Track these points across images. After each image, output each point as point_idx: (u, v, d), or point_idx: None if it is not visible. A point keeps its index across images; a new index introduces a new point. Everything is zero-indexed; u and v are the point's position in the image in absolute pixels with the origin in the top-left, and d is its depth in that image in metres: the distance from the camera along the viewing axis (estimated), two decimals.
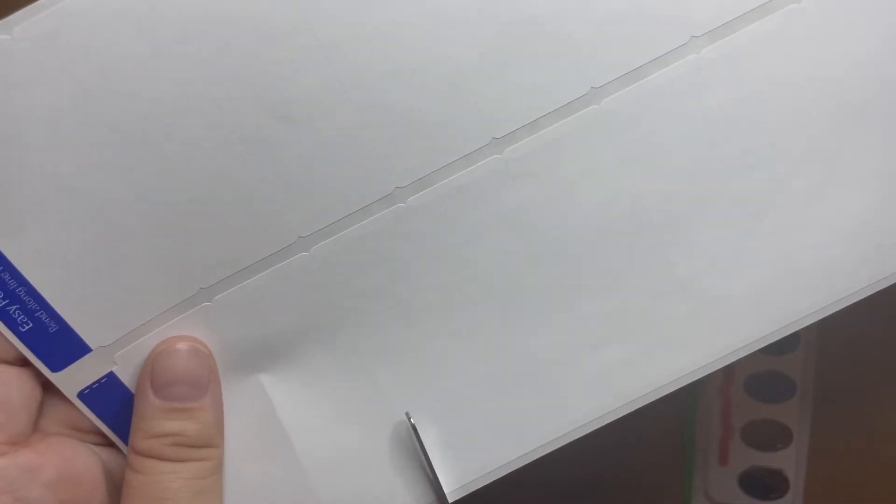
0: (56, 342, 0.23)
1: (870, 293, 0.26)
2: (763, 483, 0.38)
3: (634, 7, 0.24)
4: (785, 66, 0.25)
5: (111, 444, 0.25)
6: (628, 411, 0.27)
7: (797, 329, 0.27)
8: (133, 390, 0.25)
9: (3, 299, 0.22)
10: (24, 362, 0.24)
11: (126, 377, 0.25)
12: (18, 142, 0.21)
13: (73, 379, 0.24)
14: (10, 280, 0.22)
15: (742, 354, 0.27)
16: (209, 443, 0.24)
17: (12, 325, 0.23)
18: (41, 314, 0.23)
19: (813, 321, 0.27)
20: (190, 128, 0.23)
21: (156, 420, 0.24)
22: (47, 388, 0.24)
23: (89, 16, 0.21)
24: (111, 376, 0.25)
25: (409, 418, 0.26)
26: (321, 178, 0.24)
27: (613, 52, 0.24)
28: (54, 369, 0.24)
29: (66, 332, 0.23)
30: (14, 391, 0.23)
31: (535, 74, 0.24)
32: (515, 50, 0.24)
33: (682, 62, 0.25)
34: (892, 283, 0.27)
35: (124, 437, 0.25)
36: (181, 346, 0.24)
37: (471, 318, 0.26)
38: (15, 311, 0.23)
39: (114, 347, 0.24)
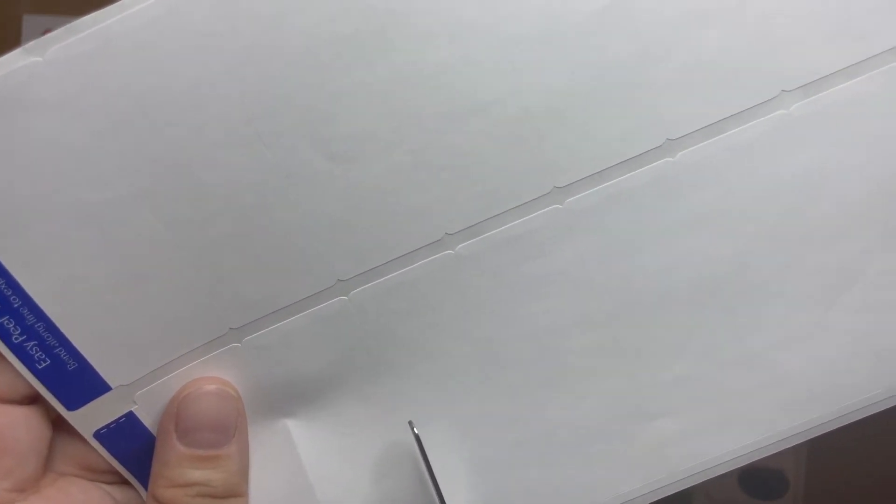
0: (74, 380, 0.22)
1: None
2: (763, 483, 0.38)
3: (721, 56, 0.22)
4: (881, 128, 0.23)
5: (126, 482, 0.24)
6: (678, 490, 0.25)
7: (871, 413, 0.24)
8: (153, 431, 0.23)
9: (21, 335, 0.21)
10: (31, 401, 0.22)
11: (146, 417, 0.23)
12: (44, 169, 0.20)
13: (90, 418, 0.23)
14: (28, 315, 0.21)
15: (806, 438, 0.25)
16: (234, 492, 0.23)
17: (29, 363, 0.21)
18: (60, 351, 0.22)
19: (890, 405, 0.24)
20: (231, 160, 0.21)
21: (180, 468, 0.22)
22: (60, 425, 0.23)
23: (130, 40, 0.19)
24: (130, 416, 0.23)
25: (411, 427, 0.24)
26: (366, 220, 0.22)
27: (694, 103, 0.22)
28: (71, 408, 0.22)
29: (85, 369, 0.22)
30: (23, 433, 0.22)
31: (606, 122, 0.22)
32: (587, 94, 0.22)
33: (769, 118, 0.22)
34: None
35: (142, 478, 0.24)
36: (209, 387, 0.23)
37: (515, 378, 0.24)
38: (32, 347, 0.21)
39: (134, 386, 0.23)
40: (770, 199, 0.23)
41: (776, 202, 0.23)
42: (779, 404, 0.24)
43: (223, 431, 0.22)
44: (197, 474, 0.22)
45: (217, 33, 0.19)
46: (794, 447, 0.36)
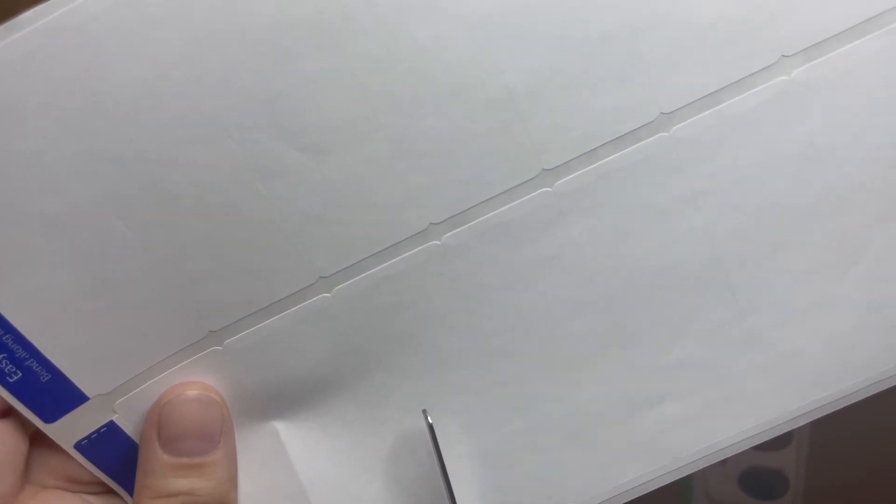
0: (49, 392, 0.21)
1: None
2: (763, 483, 0.38)
3: (714, 22, 0.20)
4: (887, 92, 0.21)
5: (111, 492, 0.23)
6: (683, 475, 0.24)
7: (881, 389, 0.24)
8: (136, 440, 0.22)
9: None
10: (4, 414, 0.21)
11: (128, 426, 0.22)
12: (3, 177, 0.19)
13: (70, 429, 0.22)
14: None
15: (815, 416, 0.24)
16: (222, 500, 0.22)
17: None
18: (31, 363, 0.21)
19: None
20: (197, 158, 0.20)
21: (164, 478, 0.21)
22: (40, 437, 0.22)
23: (79, 34, 0.18)
24: (111, 425, 0.22)
25: (425, 416, 0.23)
26: (345, 214, 0.21)
27: (687, 74, 0.21)
28: (48, 420, 0.21)
29: (59, 380, 0.21)
30: None
31: (594, 98, 0.21)
32: (573, 70, 0.20)
33: (769, 85, 0.21)
34: None
35: (128, 486, 0.23)
36: (191, 393, 0.22)
37: (511, 368, 0.23)
38: (2, 360, 0.20)
39: (113, 395, 0.22)
40: (771, 170, 0.22)
41: (778, 174, 0.22)
42: (785, 383, 0.23)
43: (208, 438, 0.22)
44: (182, 483, 0.21)
45: (170, 22, 0.18)
46: (794, 447, 0.36)
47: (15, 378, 0.21)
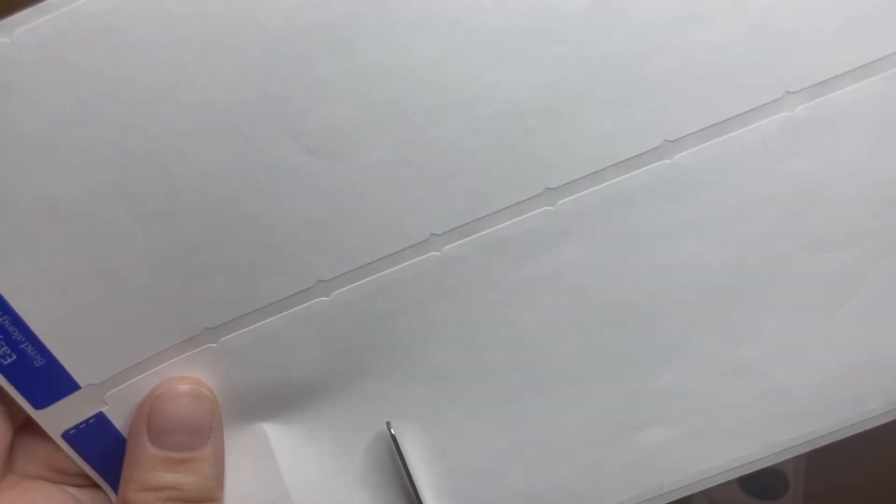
0: (41, 377, 0.21)
1: None
2: (763, 483, 0.38)
3: (722, 55, 0.21)
4: (886, 133, 0.22)
5: (94, 486, 0.23)
6: (668, 501, 0.24)
7: (870, 427, 0.24)
8: (124, 433, 0.22)
9: None
10: None
11: (117, 419, 0.22)
12: (10, 157, 0.19)
13: (58, 418, 0.22)
14: None
15: (803, 451, 0.24)
16: (208, 496, 0.22)
17: None
18: (26, 346, 0.21)
19: (889, 420, 0.24)
20: (205, 152, 0.20)
21: (151, 471, 0.21)
22: (25, 425, 0.22)
23: (100, 22, 0.18)
24: (100, 417, 0.22)
25: (389, 427, 0.23)
26: (349, 218, 0.21)
27: (693, 104, 0.21)
28: (38, 406, 0.21)
29: (52, 366, 0.21)
30: None
31: (601, 120, 0.21)
32: (580, 91, 0.21)
33: (772, 120, 0.21)
34: None
35: (112, 481, 0.23)
36: (182, 388, 0.22)
37: (502, 383, 0.23)
38: None
39: (105, 386, 0.22)
40: (770, 203, 0.22)
41: (776, 207, 0.22)
42: (774, 415, 0.23)
43: (197, 433, 0.22)
44: (169, 477, 0.21)
45: (189, 18, 0.18)
46: None
47: (9, 361, 0.21)
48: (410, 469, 0.23)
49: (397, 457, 0.23)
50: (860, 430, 0.24)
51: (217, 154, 0.20)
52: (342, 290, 0.22)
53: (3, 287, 0.20)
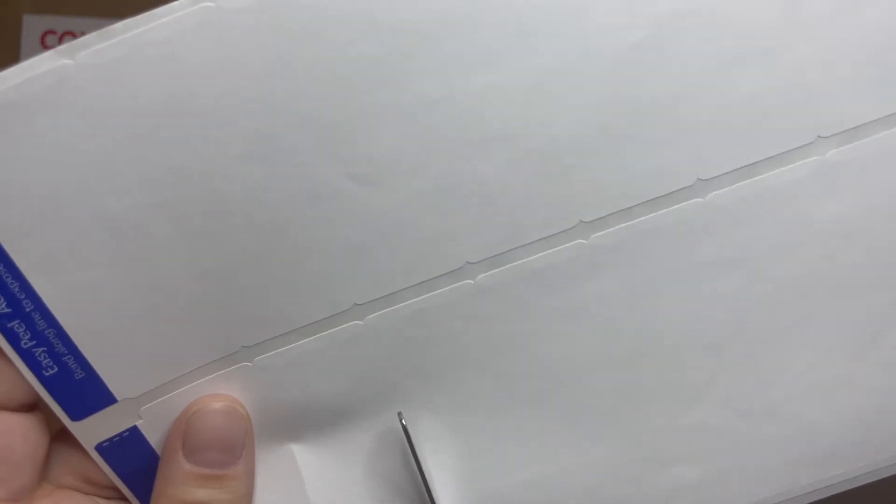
0: (80, 390, 0.21)
1: None
2: None
3: (757, 98, 0.21)
4: None
5: (124, 499, 0.23)
6: None
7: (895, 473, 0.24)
8: (156, 449, 0.23)
9: (31, 340, 0.21)
10: (30, 408, 0.22)
11: (150, 433, 0.23)
12: (67, 174, 0.19)
13: (93, 430, 0.22)
14: (39, 320, 0.20)
15: (829, 493, 0.24)
16: None
17: (36, 369, 0.21)
18: (68, 359, 0.21)
19: None
20: (254, 176, 0.20)
21: (185, 486, 0.21)
22: (61, 435, 0.22)
23: (160, 49, 0.19)
24: (134, 431, 0.22)
25: (400, 418, 0.23)
26: (386, 245, 0.22)
27: (727, 144, 0.22)
28: (74, 418, 0.22)
29: (92, 379, 0.21)
30: (18, 442, 0.21)
31: (636, 158, 0.22)
32: (617, 129, 0.21)
33: (804, 163, 0.22)
34: None
35: (141, 495, 0.23)
36: (219, 405, 0.22)
37: (530, 415, 0.23)
38: (41, 353, 0.21)
39: (140, 400, 0.22)
40: (801, 245, 0.23)
41: (807, 248, 0.23)
42: (801, 457, 0.23)
43: (231, 451, 0.22)
44: (202, 493, 0.21)
45: (245, 47, 0.19)
46: None
47: (51, 372, 0.21)
48: (421, 463, 0.23)
49: (409, 449, 0.23)
50: (887, 475, 0.23)
51: (264, 178, 0.20)
52: (376, 314, 0.22)
53: (50, 300, 0.20)
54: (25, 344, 0.21)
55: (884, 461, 0.23)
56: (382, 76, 0.20)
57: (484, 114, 0.21)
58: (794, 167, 0.22)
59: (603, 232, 0.22)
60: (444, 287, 0.22)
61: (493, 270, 0.22)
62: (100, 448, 0.22)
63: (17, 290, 0.20)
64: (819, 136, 0.22)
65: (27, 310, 0.20)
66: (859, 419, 0.23)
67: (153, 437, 0.23)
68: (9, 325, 0.20)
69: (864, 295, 0.23)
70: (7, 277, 0.20)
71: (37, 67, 0.18)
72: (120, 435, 0.22)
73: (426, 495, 0.23)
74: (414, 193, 0.21)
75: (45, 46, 0.42)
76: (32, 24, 0.43)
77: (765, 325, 0.23)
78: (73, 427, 0.22)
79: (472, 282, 0.22)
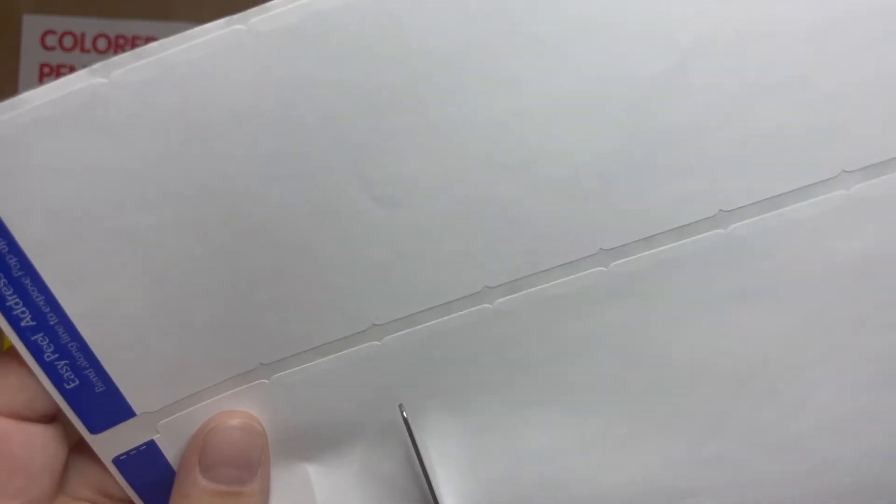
0: (100, 403, 0.22)
1: None
2: None
3: (781, 131, 0.21)
4: None
5: None
6: None
7: None
8: (172, 463, 0.23)
9: (54, 353, 0.21)
10: (49, 420, 0.22)
11: (167, 448, 0.23)
12: (97, 189, 0.20)
13: (111, 443, 0.22)
14: (63, 334, 0.21)
15: None
16: None
17: (58, 382, 0.21)
18: (89, 372, 0.21)
19: None
20: (280, 195, 0.21)
21: (200, 502, 0.21)
22: (78, 448, 0.23)
23: (193, 69, 0.19)
24: (151, 445, 0.23)
25: (401, 410, 0.23)
26: (406, 266, 0.22)
27: (750, 176, 0.22)
28: (93, 431, 0.22)
29: (112, 393, 0.22)
30: (38, 453, 0.21)
31: (658, 187, 0.22)
32: (640, 158, 0.21)
33: (828, 197, 0.22)
34: None
35: None
36: (236, 422, 0.22)
37: (544, 441, 0.23)
38: (63, 366, 0.21)
39: (159, 415, 0.22)
40: (823, 279, 0.22)
41: (829, 283, 0.22)
42: (819, 492, 0.23)
43: (248, 468, 0.22)
44: None
45: (275, 68, 0.20)
46: None
47: (72, 385, 0.21)
48: (430, 473, 0.23)
49: (409, 439, 0.23)
50: None
51: (290, 197, 0.21)
52: (394, 335, 0.23)
53: (74, 314, 0.21)
54: (48, 357, 0.21)
55: None
56: (408, 100, 0.20)
57: (507, 139, 0.21)
58: (818, 201, 0.22)
59: (623, 260, 0.22)
60: (463, 310, 0.22)
61: (512, 295, 0.22)
62: (117, 461, 0.22)
63: (42, 303, 0.20)
64: (843, 171, 0.22)
65: (51, 323, 0.21)
66: (880, 456, 0.23)
67: (169, 452, 0.23)
68: (33, 338, 0.20)
69: (885, 332, 0.23)
70: (33, 291, 0.20)
71: (71, 85, 0.19)
72: (137, 449, 0.23)
73: (427, 489, 0.23)
74: (435, 216, 0.21)
75: (45, 46, 0.43)
76: (32, 24, 0.43)
77: (785, 359, 0.23)
78: (92, 440, 0.22)
79: (490, 306, 0.22)
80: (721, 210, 0.22)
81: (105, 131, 0.19)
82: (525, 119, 0.21)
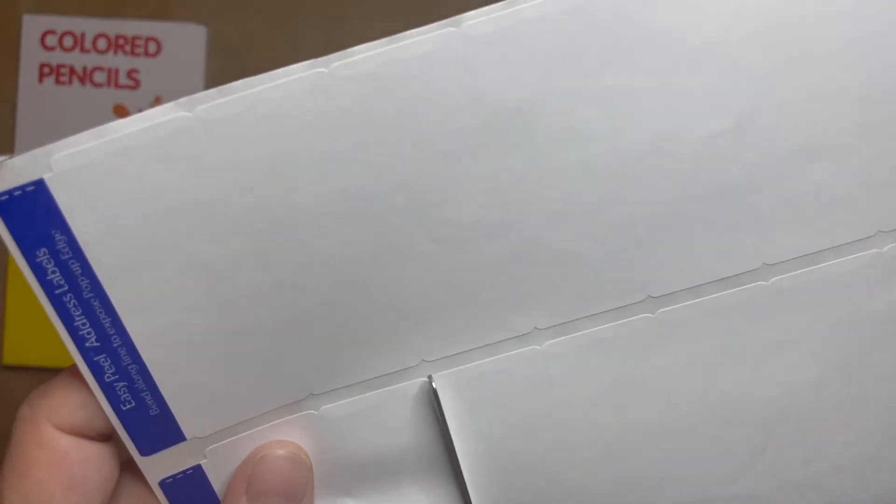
0: (153, 426, 0.22)
1: None
2: None
3: (824, 190, 0.22)
4: None
5: None
6: None
7: None
8: (216, 489, 0.23)
9: (114, 374, 0.21)
10: (105, 439, 0.22)
11: (212, 474, 0.23)
12: (170, 218, 0.20)
13: (160, 466, 0.23)
14: (125, 356, 0.21)
15: None
16: None
17: (115, 403, 0.21)
18: (146, 395, 0.22)
19: None
20: (344, 232, 0.21)
21: None
22: (126, 468, 0.23)
23: (273, 108, 0.20)
24: (197, 470, 0.23)
25: (431, 381, 0.23)
26: (460, 305, 0.23)
27: (794, 232, 0.23)
28: (144, 453, 0.22)
29: (165, 416, 0.22)
30: (93, 471, 0.21)
31: (706, 240, 0.23)
32: (693, 211, 0.22)
33: (864, 255, 0.23)
34: None
35: None
36: (283, 452, 0.23)
37: (586, 483, 0.24)
38: (122, 388, 0.21)
39: (207, 440, 0.23)
40: (852, 330, 0.23)
41: (857, 334, 0.23)
42: None
43: (293, 499, 0.22)
44: None
45: (351, 112, 0.20)
46: None
47: (128, 407, 0.22)
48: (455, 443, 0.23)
49: (437, 409, 0.23)
50: None
51: (353, 235, 0.21)
52: (443, 372, 0.23)
53: (137, 337, 0.21)
54: (109, 378, 0.21)
55: None
56: (475, 148, 0.21)
57: (569, 188, 0.22)
58: (854, 258, 0.23)
59: (669, 308, 0.23)
60: (512, 351, 0.23)
61: (560, 338, 0.23)
62: (163, 484, 0.23)
63: (108, 325, 0.21)
64: (880, 231, 0.23)
65: (115, 345, 0.21)
66: (892, 495, 0.24)
67: (215, 478, 0.23)
68: (95, 359, 0.21)
69: None
70: (101, 313, 0.20)
71: (157, 117, 0.19)
72: (184, 473, 0.23)
73: (453, 460, 0.23)
74: (490, 258, 0.22)
75: (45, 46, 0.43)
76: (32, 24, 0.44)
77: (812, 405, 0.24)
78: (141, 462, 0.22)
79: (538, 347, 0.23)
80: (765, 263, 0.23)
81: (184, 163, 0.20)
82: (588, 170, 0.22)
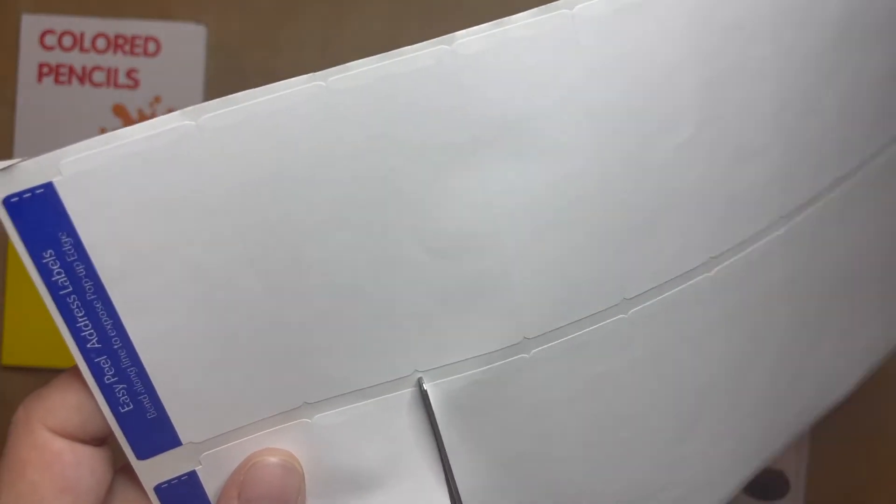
0: (149, 429, 0.22)
1: None
2: (764, 484, 0.39)
3: (732, 188, 0.25)
4: None
5: None
6: None
7: None
8: (209, 495, 0.23)
9: (113, 376, 0.22)
10: (100, 442, 0.23)
11: (206, 480, 0.23)
12: (172, 224, 0.21)
13: (155, 470, 0.23)
14: (125, 358, 0.22)
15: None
16: None
17: (114, 405, 0.22)
18: (144, 398, 0.22)
19: None
20: (342, 241, 0.22)
21: None
22: (121, 471, 0.23)
23: (273, 119, 0.21)
24: (192, 475, 0.23)
25: (421, 385, 0.24)
26: (452, 316, 0.23)
27: (732, 226, 0.26)
28: (140, 457, 0.23)
29: (162, 420, 0.22)
30: (86, 474, 0.22)
31: (670, 240, 0.25)
32: (656, 216, 0.24)
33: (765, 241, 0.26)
34: None
35: None
36: (276, 459, 0.23)
37: (564, 473, 0.25)
38: (121, 390, 0.22)
39: (203, 446, 0.23)
40: (784, 299, 0.27)
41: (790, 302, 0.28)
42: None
43: None
44: None
45: (348, 123, 0.21)
46: (794, 448, 0.38)
47: (126, 409, 0.22)
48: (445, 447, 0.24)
49: (426, 413, 0.24)
50: None
51: (349, 244, 0.22)
52: (435, 382, 0.24)
53: (137, 340, 0.22)
54: (108, 379, 0.22)
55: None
56: (467, 161, 0.22)
57: (556, 202, 0.23)
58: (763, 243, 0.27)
59: (640, 306, 0.25)
60: (501, 360, 0.24)
61: (547, 345, 0.24)
62: (158, 489, 0.23)
63: (109, 327, 0.21)
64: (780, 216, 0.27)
65: (115, 347, 0.21)
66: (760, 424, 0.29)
67: (208, 483, 0.23)
68: (96, 360, 0.21)
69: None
70: (103, 315, 0.21)
71: (163, 125, 0.20)
72: (179, 478, 0.23)
73: (442, 461, 0.24)
74: (482, 270, 0.23)
75: (44, 46, 0.43)
76: (32, 24, 0.44)
77: (756, 366, 0.28)
78: (137, 466, 0.23)
79: (526, 356, 0.24)
80: (710, 257, 0.25)
81: (185, 170, 0.21)
82: (572, 183, 0.23)
